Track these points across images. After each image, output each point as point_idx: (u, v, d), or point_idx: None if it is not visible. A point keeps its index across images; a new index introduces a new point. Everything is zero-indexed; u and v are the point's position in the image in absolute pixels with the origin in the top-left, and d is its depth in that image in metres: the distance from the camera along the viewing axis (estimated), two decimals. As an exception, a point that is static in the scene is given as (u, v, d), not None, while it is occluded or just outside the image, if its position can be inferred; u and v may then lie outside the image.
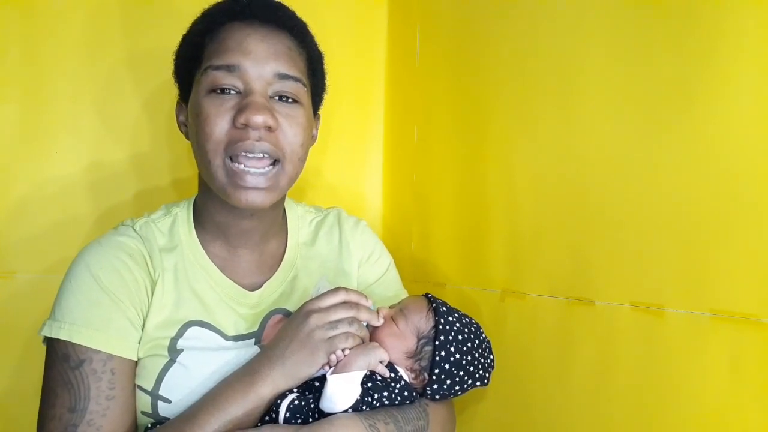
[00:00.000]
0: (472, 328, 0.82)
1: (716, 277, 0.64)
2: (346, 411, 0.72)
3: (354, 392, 0.72)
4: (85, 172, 1.10)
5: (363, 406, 0.73)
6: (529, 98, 0.89)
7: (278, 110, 0.77)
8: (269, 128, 0.76)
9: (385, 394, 0.75)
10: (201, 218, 0.86)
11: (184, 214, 0.87)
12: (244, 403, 0.72)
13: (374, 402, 0.74)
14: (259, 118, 0.74)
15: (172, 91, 0.87)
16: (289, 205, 0.94)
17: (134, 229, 0.83)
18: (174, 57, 0.85)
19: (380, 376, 0.75)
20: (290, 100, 0.79)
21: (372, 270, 0.95)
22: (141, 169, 1.13)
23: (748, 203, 0.61)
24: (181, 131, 0.87)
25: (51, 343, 0.76)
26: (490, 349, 0.84)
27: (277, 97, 0.78)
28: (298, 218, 0.94)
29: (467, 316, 0.83)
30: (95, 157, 1.10)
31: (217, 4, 0.82)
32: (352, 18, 1.25)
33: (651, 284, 0.71)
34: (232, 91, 0.76)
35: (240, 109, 0.75)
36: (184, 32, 0.84)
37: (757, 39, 0.60)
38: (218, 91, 0.76)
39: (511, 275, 0.93)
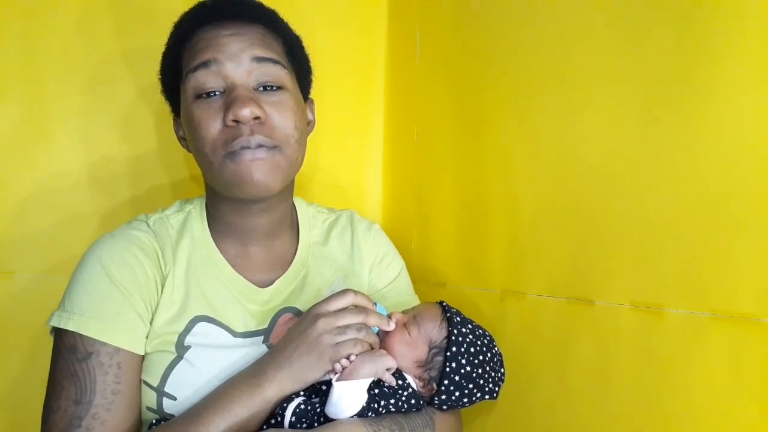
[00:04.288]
0: (485, 341, 0.81)
1: (716, 277, 0.64)
2: (351, 417, 0.71)
3: (360, 399, 0.72)
4: (86, 172, 1.09)
5: (369, 412, 0.72)
6: (529, 98, 0.89)
7: (264, 100, 0.78)
8: (258, 119, 0.76)
9: (392, 401, 0.74)
10: (211, 217, 0.87)
11: (197, 211, 0.87)
12: (250, 404, 0.72)
13: (380, 409, 0.73)
14: (246, 111, 0.74)
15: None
16: (300, 204, 0.95)
17: (148, 224, 0.84)
18: (159, 76, 0.86)
19: (387, 383, 0.75)
20: (274, 87, 0.79)
21: (383, 274, 0.95)
22: (143, 169, 1.13)
23: (748, 203, 0.61)
24: (182, 146, 0.87)
25: (59, 334, 0.76)
26: (502, 362, 0.83)
27: (261, 88, 0.78)
28: (310, 218, 0.94)
29: (481, 328, 0.83)
30: (96, 157, 1.10)
31: (186, 13, 0.83)
32: (351, 18, 1.25)
33: (651, 284, 0.71)
34: (216, 93, 0.77)
35: (227, 107, 0.75)
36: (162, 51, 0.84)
37: (758, 38, 0.60)
38: (203, 95, 0.77)
39: (511, 275, 0.93)
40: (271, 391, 0.72)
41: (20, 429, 1.05)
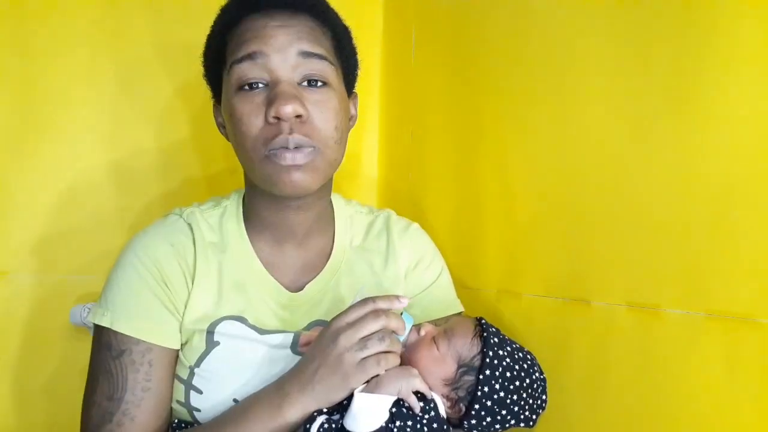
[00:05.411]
0: (525, 365, 0.75)
1: (712, 278, 0.64)
2: None
3: (379, 416, 0.68)
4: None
5: None
6: (525, 98, 0.89)
7: (307, 97, 0.76)
8: (300, 117, 0.75)
9: (410, 423, 0.69)
10: (248, 212, 0.86)
11: (233, 207, 0.87)
12: (271, 425, 0.71)
13: (396, 430, 0.69)
14: (288, 108, 0.73)
15: (202, 84, 0.86)
16: (337, 203, 0.92)
17: (182, 219, 0.84)
18: (202, 59, 0.84)
19: (410, 405, 0.70)
20: (319, 83, 0.77)
21: (421, 278, 0.91)
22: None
23: (744, 204, 0.61)
24: (221, 133, 0.86)
25: (97, 329, 0.78)
26: (544, 388, 0.78)
27: (305, 83, 0.77)
28: (347, 218, 0.92)
29: (522, 351, 0.78)
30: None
31: None
32: (347, 18, 1.24)
33: (647, 284, 0.71)
34: (260, 85, 0.75)
35: (269, 102, 0.74)
36: (208, 33, 0.83)
37: (755, 38, 0.60)
38: (246, 87, 0.76)
39: (507, 275, 0.93)
40: (293, 414, 0.71)
41: (24, 426, 1.05)
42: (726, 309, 0.62)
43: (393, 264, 0.90)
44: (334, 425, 0.69)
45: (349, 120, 0.85)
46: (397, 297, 0.74)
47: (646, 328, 0.70)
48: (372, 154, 1.29)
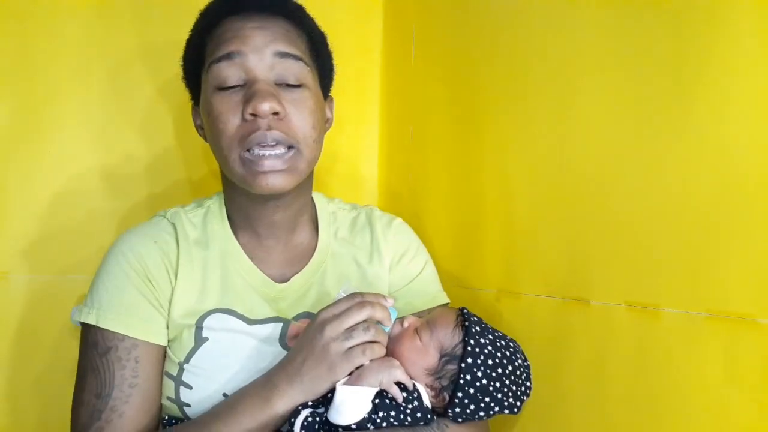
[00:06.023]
0: (507, 353, 0.76)
1: (712, 277, 0.64)
2: (351, 426, 0.69)
3: (363, 407, 0.70)
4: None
5: (368, 423, 0.70)
6: (525, 98, 0.89)
7: (284, 96, 0.78)
8: (277, 114, 0.76)
9: (393, 413, 0.70)
10: (230, 210, 0.87)
11: (216, 206, 0.88)
12: (260, 417, 0.72)
13: (380, 421, 0.70)
14: (265, 105, 0.75)
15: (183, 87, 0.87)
16: (319, 201, 0.94)
17: (166, 219, 0.85)
18: (181, 63, 0.86)
19: (392, 395, 0.71)
20: (295, 84, 0.79)
21: (405, 271, 0.92)
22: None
23: (745, 203, 0.61)
24: (200, 135, 0.88)
25: (83, 328, 0.80)
26: (528, 375, 0.79)
27: (282, 83, 0.79)
28: (329, 215, 0.94)
29: (505, 338, 0.79)
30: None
31: (213, 1, 0.84)
32: (347, 17, 1.25)
33: (646, 284, 0.70)
34: (238, 84, 0.77)
35: (246, 100, 0.76)
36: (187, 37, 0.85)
37: (755, 38, 0.60)
38: (224, 88, 0.77)
39: (507, 275, 0.93)
40: (282, 405, 0.72)
41: (20, 426, 1.05)
42: (725, 309, 0.62)
43: (377, 259, 0.91)
44: (318, 418, 0.70)
45: (325, 122, 0.87)
46: (384, 296, 0.76)
47: (645, 328, 0.70)
48: (372, 154, 1.29)
